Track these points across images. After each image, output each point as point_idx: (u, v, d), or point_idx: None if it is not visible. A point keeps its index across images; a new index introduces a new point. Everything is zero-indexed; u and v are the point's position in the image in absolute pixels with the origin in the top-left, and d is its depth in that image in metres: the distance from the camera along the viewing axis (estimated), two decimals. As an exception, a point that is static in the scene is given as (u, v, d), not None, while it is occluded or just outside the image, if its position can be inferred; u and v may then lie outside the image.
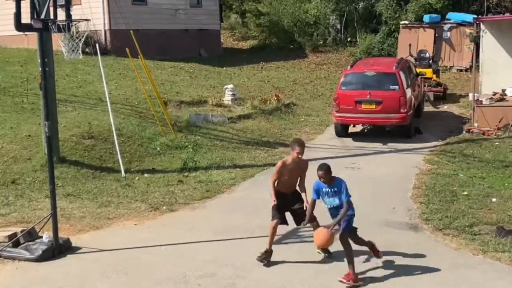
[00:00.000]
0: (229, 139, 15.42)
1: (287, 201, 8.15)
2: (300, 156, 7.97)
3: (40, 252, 8.14)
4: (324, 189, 7.52)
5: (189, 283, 7.37)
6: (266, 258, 7.94)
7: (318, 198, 7.64)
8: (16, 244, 8.32)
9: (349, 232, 7.58)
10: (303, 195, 8.08)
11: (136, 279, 7.55)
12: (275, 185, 8.12)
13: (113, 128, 12.93)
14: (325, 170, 7.46)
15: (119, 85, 18.89)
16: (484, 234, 8.91)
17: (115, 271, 7.69)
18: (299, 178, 8.12)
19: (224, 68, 25.47)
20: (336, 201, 7.49)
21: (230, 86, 19.30)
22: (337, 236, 7.50)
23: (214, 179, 12.12)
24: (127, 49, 14.59)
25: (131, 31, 15.38)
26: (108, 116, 13.30)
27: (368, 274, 7.62)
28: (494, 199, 10.56)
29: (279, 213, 8.06)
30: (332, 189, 7.48)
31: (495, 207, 10.13)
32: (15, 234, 8.43)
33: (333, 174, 7.48)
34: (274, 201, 7.98)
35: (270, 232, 8.01)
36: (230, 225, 9.50)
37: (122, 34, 21.06)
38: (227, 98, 18.66)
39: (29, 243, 8.35)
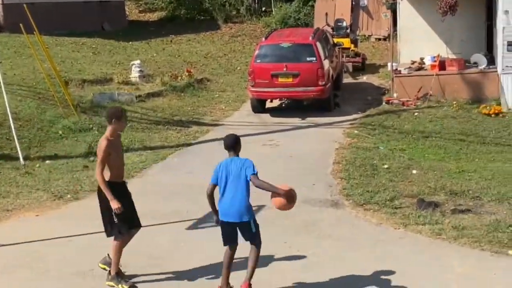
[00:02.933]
0: (138, 119, 15.23)
1: (127, 196, 7.15)
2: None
3: None
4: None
5: (97, 277, 7.23)
6: (123, 278, 7.00)
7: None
8: None
9: None
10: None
11: (41, 274, 7.40)
12: (111, 175, 6.88)
13: (9, 112, 12.57)
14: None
15: (15, 64, 18.25)
16: (405, 207, 9.28)
17: (18, 267, 7.51)
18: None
19: (130, 42, 25.00)
20: None
21: (137, 62, 19.08)
22: None
23: (123, 163, 11.99)
24: (21, 25, 14.13)
25: (25, 5, 14.92)
26: (2, 99, 12.89)
27: (293, 253, 7.75)
28: (414, 171, 11.00)
29: (128, 226, 7.03)
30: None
31: (415, 179, 10.57)
32: None
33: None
34: (118, 205, 6.76)
35: (118, 253, 6.98)
36: (143, 212, 9.38)
37: (16, 9, 20.27)
38: (135, 75, 18.40)
39: None
